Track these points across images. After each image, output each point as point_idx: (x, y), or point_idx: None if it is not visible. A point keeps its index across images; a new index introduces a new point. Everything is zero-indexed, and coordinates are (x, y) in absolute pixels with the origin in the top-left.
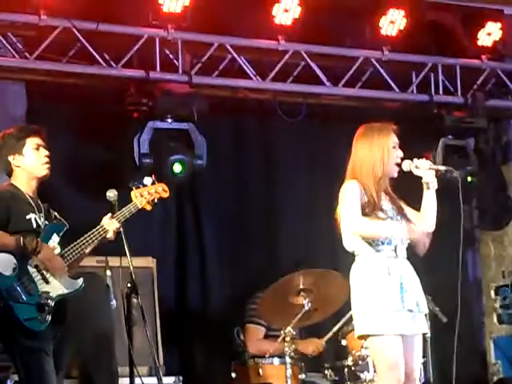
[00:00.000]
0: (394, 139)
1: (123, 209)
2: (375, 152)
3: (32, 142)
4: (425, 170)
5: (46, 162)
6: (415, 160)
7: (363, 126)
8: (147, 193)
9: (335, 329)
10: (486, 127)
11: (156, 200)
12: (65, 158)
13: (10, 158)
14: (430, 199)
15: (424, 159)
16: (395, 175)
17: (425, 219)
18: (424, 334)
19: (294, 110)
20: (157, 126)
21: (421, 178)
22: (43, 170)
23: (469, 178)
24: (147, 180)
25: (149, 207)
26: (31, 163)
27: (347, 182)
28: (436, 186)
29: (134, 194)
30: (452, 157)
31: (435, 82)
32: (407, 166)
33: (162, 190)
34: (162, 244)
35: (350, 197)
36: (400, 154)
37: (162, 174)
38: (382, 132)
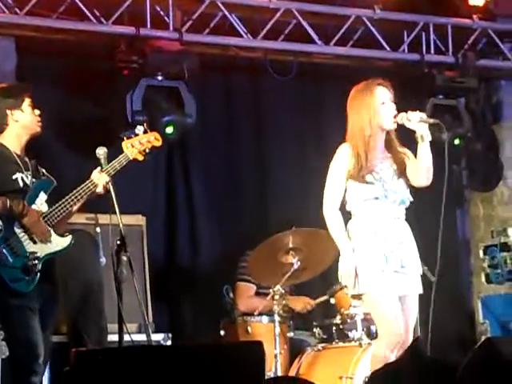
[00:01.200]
0: (382, 95)
1: (113, 161)
2: (361, 112)
3: (29, 100)
4: (416, 122)
5: (39, 121)
6: (409, 113)
7: (353, 87)
8: (138, 142)
9: (327, 296)
10: (477, 87)
11: (148, 150)
12: (54, 114)
13: (9, 113)
14: (424, 151)
15: (417, 112)
16: (392, 127)
17: (421, 172)
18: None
19: (284, 68)
20: (149, 84)
21: (414, 131)
22: (38, 126)
23: (456, 141)
24: (139, 129)
25: (140, 157)
26: (29, 119)
27: (340, 146)
28: (430, 138)
29: (125, 144)
30: (443, 116)
31: (426, 41)
32: (400, 118)
33: (154, 139)
34: (152, 202)
35: (335, 167)
36: (392, 106)
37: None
38: (365, 91)
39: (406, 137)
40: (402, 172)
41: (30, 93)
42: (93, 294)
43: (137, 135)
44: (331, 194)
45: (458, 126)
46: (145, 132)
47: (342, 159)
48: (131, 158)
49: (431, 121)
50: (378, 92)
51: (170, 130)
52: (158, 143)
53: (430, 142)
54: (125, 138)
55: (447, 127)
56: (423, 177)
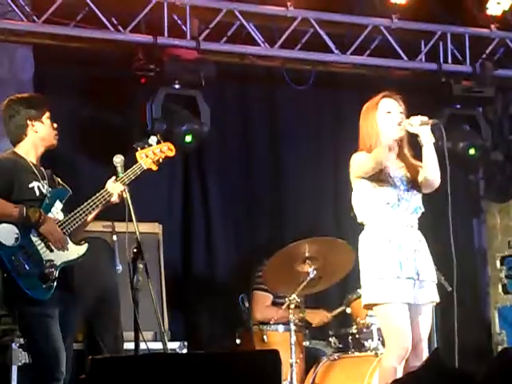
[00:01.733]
0: (386, 105)
1: (128, 171)
2: (365, 126)
3: (49, 113)
4: (418, 126)
5: (56, 134)
6: (411, 117)
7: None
8: (152, 153)
9: (343, 307)
10: (494, 97)
11: (161, 160)
12: (72, 123)
13: (29, 123)
14: (429, 154)
15: (418, 115)
16: (398, 135)
17: (429, 175)
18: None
19: (302, 77)
20: (167, 92)
21: (417, 135)
22: (55, 140)
23: (471, 151)
24: (152, 139)
25: (154, 167)
26: (48, 132)
27: (355, 154)
28: (433, 140)
29: (139, 154)
30: (461, 126)
31: (444, 50)
32: (403, 125)
33: (167, 149)
34: (169, 210)
35: (358, 158)
36: (399, 115)
37: (173, 140)
38: (371, 105)
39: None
40: (414, 181)
41: (49, 106)
42: (109, 302)
43: (150, 145)
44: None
45: (475, 136)
46: (158, 142)
47: (361, 155)
48: (145, 167)
49: (431, 121)
50: (382, 103)
51: (188, 138)
52: (172, 153)
53: (448, 152)
54: (138, 148)
55: (465, 137)
56: (430, 179)
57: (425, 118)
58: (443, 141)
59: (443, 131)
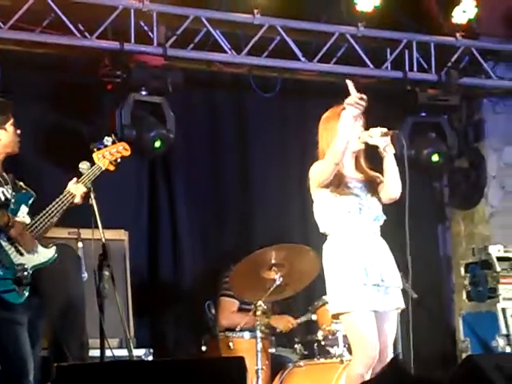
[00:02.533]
0: None
1: (87, 171)
2: (326, 137)
3: (12, 120)
4: (378, 137)
5: (19, 141)
6: (370, 129)
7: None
8: (109, 153)
9: (308, 315)
10: (459, 105)
11: (118, 159)
12: (38, 129)
13: None
14: (389, 165)
15: (377, 127)
16: (357, 148)
17: (390, 186)
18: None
19: (268, 84)
20: (136, 99)
21: (377, 147)
22: (17, 147)
23: (435, 157)
24: (108, 140)
25: (112, 167)
26: (11, 139)
27: (314, 164)
28: (393, 151)
29: (97, 155)
30: (426, 134)
31: (409, 58)
32: (362, 137)
33: (123, 149)
34: (135, 217)
35: (317, 166)
36: (358, 128)
37: (142, 146)
38: (332, 116)
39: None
40: (374, 190)
41: (13, 112)
42: (74, 309)
43: (106, 146)
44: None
45: (440, 144)
46: (113, 142)
47: (319, 163)
48: (103, 168)
49: (391, 132)
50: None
51: (157, 144)
52: (127, 153)
53: (412, 160)
54: (95, 150)
55: (430, 145)
56: (391, 190)
57: (384, 130)
58: (404, 150)
59: (403, 141)
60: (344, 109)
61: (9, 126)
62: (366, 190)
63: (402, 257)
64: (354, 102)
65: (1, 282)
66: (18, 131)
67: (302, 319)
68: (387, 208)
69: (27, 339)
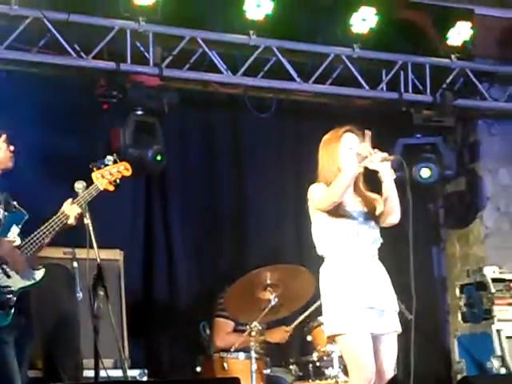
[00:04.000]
0: (348, 141)
1: (83, 192)
2: (328, 158)
3: (4, 136)
4: (379, 162)
5: (12, 156)
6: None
7: (325, 135)
8: (108, 173)
9: (302, 317)
10: (454, 126)
11: (118, 180)
12: (33, 149)
13: None
14: (389, 190)
15: (378, 152)
16: (358, 172)
17: (390, 211)
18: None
19: (264, 105)
20: (135, 119)
21: (377, 171)
22: (11, 162)
23: (430, 180)
24: (108, 159)
25: (111, 188)
26: (3, 155)
27: (313, 185)
28: (394, 176)
29: (95, 175)
30: (421, 155)
31: (405, 80)
32: (363, 163)
33: (123, 169)
34: (130, 237)
35: (315, 191)
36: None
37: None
38: (333, 138)
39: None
40: (372, 214)
41: (4, 128)
42: (69, 329)
43: (106, 165)
44: (317, 195)
45: (435, 165)
46: (115, 162)
47: (318, 188)
48: (101, 188)
49: (392, 158)
50: (344, 138)
51: (159, 157)
52: (128, 173)
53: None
54: (94, 169)
55: (424, 166)
56: (391, 215)
57: (385, 155)
58: (405, 174)
59: (405, 166)
60: (346, 131)
61: (1, 142)
62: (363, 214)
63: (398, 279)
64: (367, 154)
65: None
66: (12, 147)
67: (295, 324)
68: (383, 230)
69: (14, 358)
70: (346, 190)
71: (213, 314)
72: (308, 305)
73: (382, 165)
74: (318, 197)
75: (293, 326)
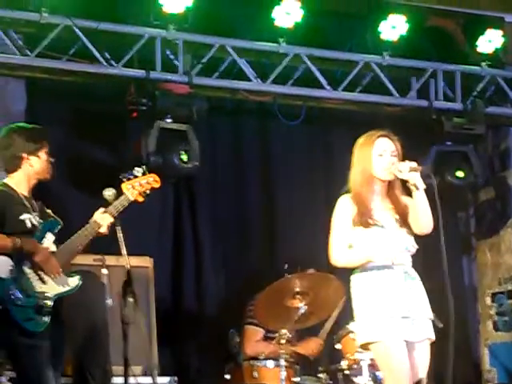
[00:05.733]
0: (380, 146)
1: (115, 202)
2: (359, 163)
3: (47, 148)
4: (407, 172)
5: (51, 168)
6: (400, 163)
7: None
8: (138, 184)
9: (328, 326)
10: (485, 134)
11: (148, 191)
12: (63, 156)
13: (25, 157)
14: (420, 200)
15: (406, 161)
16: (387, 178)
17: (420, 221)
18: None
19: (293, 112)
20: (161, 126)
21: (407, 181)
22: (49, 174)
23: (461, 188)
24: (138, 170)
25: (141, 199)
26: (43, 166)
27: (340, 198)
28: (424, 186)
29: (126, 186)
30: (451, 163)
31: (435, 87)
32: (392, 171)
33: (153, 181)
34: (159, 244)
35: (338, 218)
36: (389, 158)
37: (167, 171)
38: (365, 142)
39: None
40: (404, 221)
41: (47, 139)
42: (98, 336)
43: (136, 177)
44: (338, 240)
45: (466, 173)
46: (143, 173)
47: (344, 208)
48: (132, 199)
49: (420, 168)
50: (376, 144)
51: (184, 157)
52: (157, 185)
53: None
54: (124, 180)
55: (455, 175)
56: (422, 224)
57: (414, 164)
58: (434, 186)
59: (432, 176)
60: (380, 136)
61: (42, 153)
62: (394, 221)
63: (431, 286)
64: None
65: (22, 309)
66: (52, 159)
67: (325, 333)
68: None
69: (49, 364)
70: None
71: (242, 321)
72: (339, 316)
73: (411, 174)
74: (331, 238)
75: (323, 335)
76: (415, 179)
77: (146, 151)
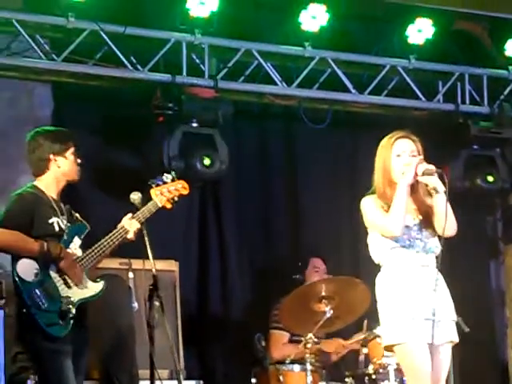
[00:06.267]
0: (399, 147)
1: (143, 208)
2: (378, 166)
3: (73, 149)
4: (421, 175)
5: (79, 170)
6: (419, 166)
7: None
8: (167, 190)
9: (360, 336)
10: None
11: (176, 198)
12: (90, 161)
13: (52, 158)
14: (440, 204)
15: (424, 164)
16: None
17: (442, 223)
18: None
19: (319, 116)
20: (185, 130)
21: (427, 185)
22: (77, 175)
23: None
24: (167, 177)
25: (169, 205)
26: (71, 167)
27: (362, 199)
28: (444, 189)
29: (154, 192)
30: (479, 167)
31: (462, 91)
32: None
33: (181, 188)
34: (185, 247)
35: (369, 210)
36: (405, 160)
37: (190, 175)
38: (386, 144)
39: None
40: (428, 222)
41: (74, 141)
42: (125, 340)
43: (165, 183)
44: (382, 217)
45: (493, 177)
46: (173, 180)
47: (373, 204)
48: (160, 205)
49: (434, 170)
50: (395, 145)
51: (207, 161)
52: (186, 192)
53: (466, 192)
54: (153, 186)
55: (482, 179)
56: (444, 227)
57: (430, 167)
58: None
59: (445, 180)
60: (399, 137)
61: (69, 154)
62: (418, 223)
63: (454, 291)
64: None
65: (45, 314)
66: (79, 160)
67: (353, 341)
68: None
69: (71, 369)
70: (403, 219)
71: (268, 325)
72: (363, 320)
73: (430, 178)
74: (372, 218)
75: (350, 341)
76: (434, 182)
77: (167, 155)
